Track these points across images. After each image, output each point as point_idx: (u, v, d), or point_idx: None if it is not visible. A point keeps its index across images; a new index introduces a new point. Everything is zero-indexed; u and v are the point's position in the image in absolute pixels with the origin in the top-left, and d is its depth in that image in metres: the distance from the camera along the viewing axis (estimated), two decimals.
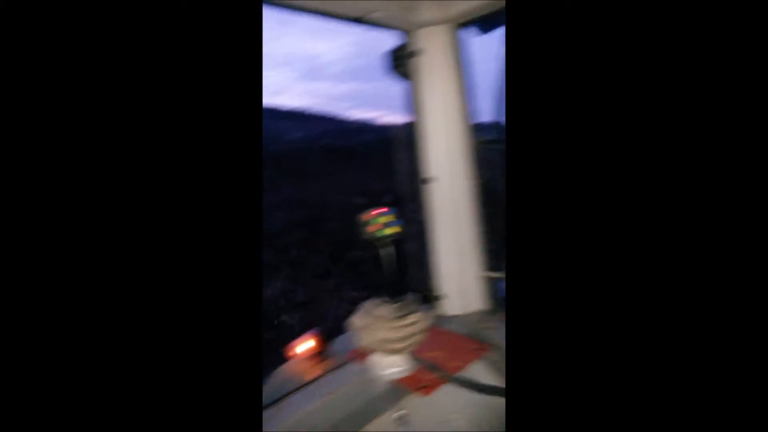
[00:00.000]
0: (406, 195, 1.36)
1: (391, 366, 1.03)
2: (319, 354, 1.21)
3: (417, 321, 1.00)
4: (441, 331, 1.28)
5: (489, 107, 1.28)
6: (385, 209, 0.99)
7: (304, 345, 1.22)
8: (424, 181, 1.33)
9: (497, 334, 1.30)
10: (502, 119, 1.25)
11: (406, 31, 1.25)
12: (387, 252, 0.97)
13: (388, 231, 0.97)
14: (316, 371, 1.15)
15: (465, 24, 1.24)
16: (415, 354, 1.04)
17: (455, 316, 1.39)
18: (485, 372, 1.18)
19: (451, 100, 1.28)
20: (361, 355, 1.09)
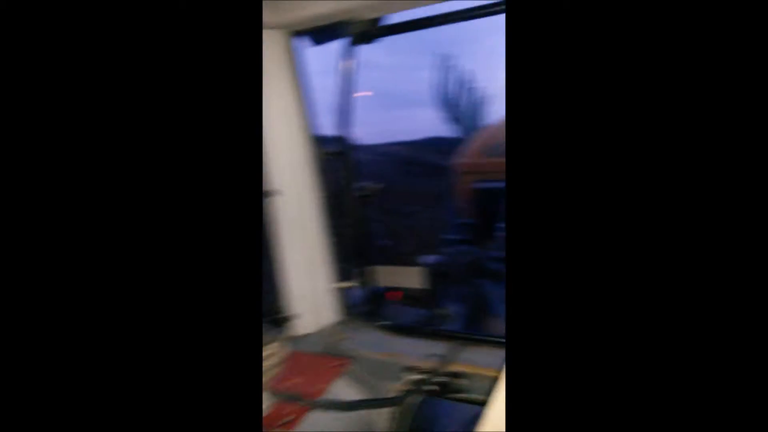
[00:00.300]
0: None
1: None
2: None
3: (271, 353, 0.91)
4: (296, 355, 1.20)
5: (328, 120, 1.27)
6: None
7: None
8: (269, 193, 1.24)
9: (353, 344, 1.30)
10: (344, 132, 1.25)
11: None
12: None
13: None
14: None
15: (300, 33, 1.20)
16: (272, 387, 0.95)
17: (309, 334, 1.33)
18: (348, 387, 1.16)
19: (290, 109, 1.22)
20: None
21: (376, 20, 1.13)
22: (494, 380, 1.23)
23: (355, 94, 1.21)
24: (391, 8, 1.08)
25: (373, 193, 1.35)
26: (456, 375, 1.19)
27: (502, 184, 3.58)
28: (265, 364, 0.88)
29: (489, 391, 1.21)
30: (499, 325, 3.16)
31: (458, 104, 5.44)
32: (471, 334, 1.43)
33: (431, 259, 3.64)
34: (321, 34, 1.22)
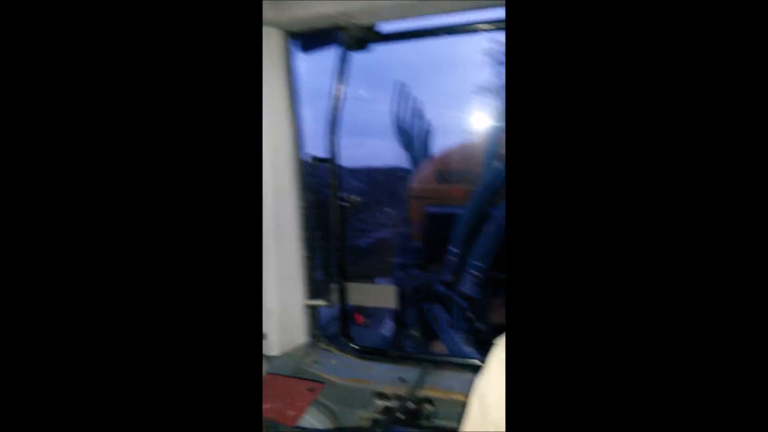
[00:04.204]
0: None
1: None
2: None
3: None
4: (269, 377, 1.09)
5: (317, 125, 1.22)
6: None
7: None
8: None
9: (323, 368, 1.22)
10: (332, 138, 1.20)
11: None
12: None
13: None
14: None
15: (295, 35, 1.15)
16: None
17: (279, 355, 1.22)
18: (319, 415, 1.07)
19: (280, 110, 1.15)
20: None
21: (370, 26, 1.12)
22: (463, 405, 1.22)
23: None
24: (389, 14, 1.07)
25: (353, 204, 1.30)
26: (425, 401, 1.16)
27: (452, 210, 3.72)
28: None
29: (458, 417, 1.20)
30: (445, 349, 3.21)
31: (411, 132, 5.63)
32: (439, 357, 1.41)
33: (384, 281, 3.64)
34: (315, 39, 1.18)
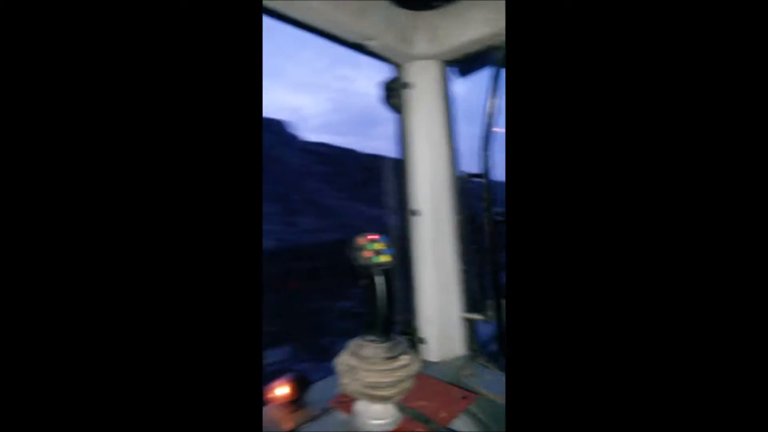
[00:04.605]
0: (394, 227, 1.30)
1: (378, 415, 0.89)
2: (293, 402, 1.04)
3: (408, 364, 0.89)
4: (425, 378, 1.16)
5: (471, 144, 1.29)
6: (377, 236, 0.91)
7: (280, 390, 1.05)
8: (413, 212, 1.28)
9: (478, 382, 1.22)
10: (486, 154, 1.25)
11: (398, 64, 1.26)
12: (379, 281, 0.88)
13: (382, 259, 0.89)
14: (290, 422, 0.97)
15: (452, 62, 1.27)
16: (403, 402, 0.93)
17: (436, 362, 1.29)
18: (470, 424, 1.08)
19: (437, 133, 1.28)
20: (345, 402, 0.95)
21: None
22: None
23: (494, 129, 1.21)
24: None
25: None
26: None
27: None
28: (399, 374, 0.87)
29: None
30: None
31: None
32: None
33: None
34: (469, 63, 1.27)
